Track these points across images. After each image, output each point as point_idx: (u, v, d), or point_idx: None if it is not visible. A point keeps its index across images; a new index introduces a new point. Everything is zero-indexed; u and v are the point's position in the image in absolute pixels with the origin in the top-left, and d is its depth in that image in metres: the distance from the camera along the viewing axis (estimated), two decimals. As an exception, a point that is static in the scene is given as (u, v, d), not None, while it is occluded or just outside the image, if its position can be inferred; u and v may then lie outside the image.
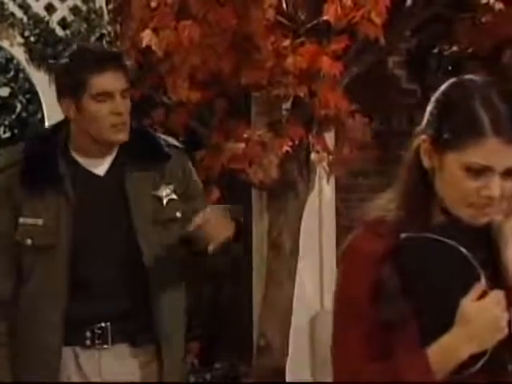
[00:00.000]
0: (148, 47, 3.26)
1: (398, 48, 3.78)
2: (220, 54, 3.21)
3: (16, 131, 5.83)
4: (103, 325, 2.16)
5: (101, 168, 2.22)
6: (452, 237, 1.41)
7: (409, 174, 1.45)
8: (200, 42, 3.16)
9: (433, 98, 1.44)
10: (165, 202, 2.22)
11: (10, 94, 5.88)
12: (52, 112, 4.17)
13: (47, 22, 4.12)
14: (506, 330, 1.40)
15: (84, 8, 4.16)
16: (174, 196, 2.24)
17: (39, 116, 5.61)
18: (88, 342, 2.16)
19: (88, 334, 2.16)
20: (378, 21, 2.99)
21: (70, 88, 2.18)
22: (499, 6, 2.96)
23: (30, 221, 2.17)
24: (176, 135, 2.98)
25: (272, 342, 3.47)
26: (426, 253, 1.41)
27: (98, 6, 4.15)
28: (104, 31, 4.18)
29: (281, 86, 3.19)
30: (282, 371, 3.50)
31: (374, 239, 1.44)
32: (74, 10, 4.14)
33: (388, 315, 1.41)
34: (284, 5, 3.18)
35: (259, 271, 3.80)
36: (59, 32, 4.13)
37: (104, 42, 4.19)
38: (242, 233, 2.23)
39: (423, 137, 1.43)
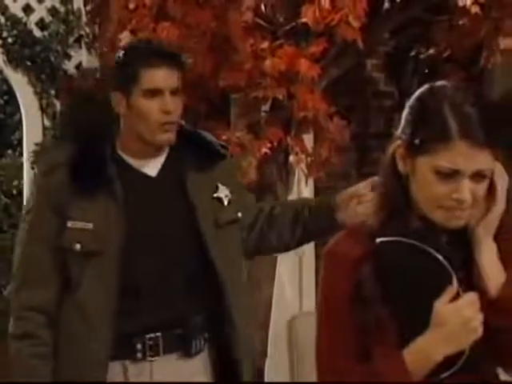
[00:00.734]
0: (126, 49, 3.24)
1: (376, 51, 3.79)
2: (199, 56, 3.21)
3: (-6, 133, 5.80)
4: (154, 335, 2.01)
5: (152, 169, 2.10)
6: (427, 241, 1.43)
7: (385, 178, 1.48)
8: (178, 43, 3.15)
9: (407, 104, 1.47)
10: (226, 202, 2.13)
11: (-12, 95, 5.86)
12: (30, 113, 4.16)
13: (25, 23, 4.11)
14: (479, 331, 1.42)
15: (62, 9, 4.15)
16: (232, 196, 2.15)
17: (17, 118, 5.58)
18: (139, 355, 2.00)
19: (139, 346, 2.01)
20: (355, 24, 2.99)
21: (121, 81, 2.07)
22: (476, 9, 2.97)
23: (79, 225, 2.02)
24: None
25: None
26: (401, 257, 1.43)
27: (76, 7, 4.15)
28: (82, 32, 4.17)
29: (259, 88, 3.18)
30: (260, 373, 3.50)
31: (353, 243, 1.47)
32: (52, 11, 4.14)
33: (365, 318, 1.43)
34: (262, 7, 3.18)
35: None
36: (37, 33, 4.12)
37: (82, 43, 4.18)
38: None
39: (398, 142, 1.46)
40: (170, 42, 3.10)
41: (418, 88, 1.48)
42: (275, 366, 3.75)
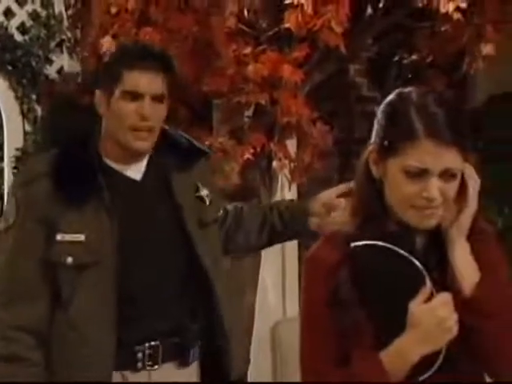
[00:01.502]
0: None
1: (359, 56, 3.80)
2: (181, 61, 3.19)
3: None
4: (154, 344, 1.96)
5: (136, 173, 2.04)
6: (402, 244, 1.45)
7: (360, 184, 1.51)
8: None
9: (378, 110, 1.50)
10: (207, 202, 2.09)
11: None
12: (11, 118, 4.12)
13: (6, 28, 4.08)
14: (454, 330, 1.43)
15: (43, 13, 4.13)
16: (212, 195, 2.11)
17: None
18: (140, 365, 1.95)
19: (139, 355, 1.95)
20: (338, 29, 3.00)
21: (105, 80, 2.02)
22: (458, 15, 2.99)
23: (69, 237, 1.93)
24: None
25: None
26: (376, 260, 1.45)
27: (57, 11, 4.12)
28: (64, 37, 4.14)
29: (242, 94, 3.18)
30: (243, 378, 3.49)
31: (330, 249, 1.49)
32: (33, 15, 4.11)
33: (343, 322, 1.44)
34: (245, 12, 3.17)
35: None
36: (18, 37, 4.09)
37: (64, 47, 4.16)
38: None
39: (370, 147, 1.49)
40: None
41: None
42: (258, 371, 3.74)
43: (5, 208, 2.08)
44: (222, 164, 3.24)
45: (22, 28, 4.10)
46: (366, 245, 1.45)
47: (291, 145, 3.44)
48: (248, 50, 3.14)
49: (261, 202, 3.45)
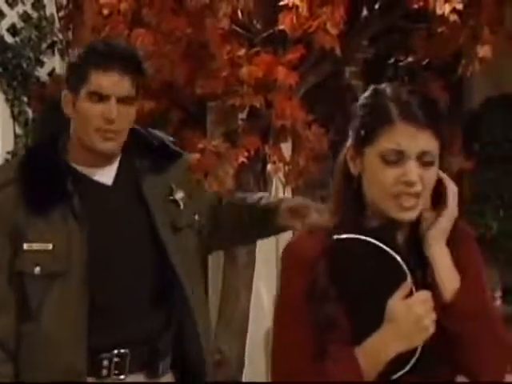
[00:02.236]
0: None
1: (354, 58, 3.78)
2: (174, 63, 3.17)
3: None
4: (123, 351, 1.93)
5: (107, 177, 2.00)
6: (383, 239, 1.44)
7: (338, 182, 1.53)
8: (154, 50, 3.11)
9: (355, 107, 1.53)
10: (181, 205, 2.05)
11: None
12: (1, 121, 4.08)
13: (-4, 29, 4.04)
14: (431, 329, 1.42)
15: (34, 15, 4.10)
16: (187, 198, 2.06)
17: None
18: (105, 372, 1.94)
19: (105, 362, 1.93)
20: (333, 31, 2.98)
21: (71, 80, 1.98)
22: (454, 17, 2.98)
23: (36, 246, 1.90)
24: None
25: (228, 355, 3.44)
26: (356, 254, 1.44)
27: (48, 12, 4.09)
28: (55, 39, 4.11)
29: (236, 96, 3.16)
30: (238, 381, 3.46)
31: (310, 242, 1.49)
32: (24, 16, 4.08)
33: (319, 316, 1.44)
34: (239, 14, 3.15)
35: (215, 284, 3.76)
36: (8, 39, 4.06)
37: (55, 49, 4.12)
38: None
39: (347, 145, 1.51)
40: (144, 48, 3.06)
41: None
42: (253, 374, 3.72)
43: None
44: (216, 168, 3.22)
45: (13, 29, 4.07)
46: (347, 238, 1.44)
47: (286, 148, 3.42)
48: (242, 52, 3.13)
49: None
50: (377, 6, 3.30)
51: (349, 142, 1.50)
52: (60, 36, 4.06)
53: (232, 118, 3.37)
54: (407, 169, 1.42)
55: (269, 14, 3.19)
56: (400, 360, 1.41)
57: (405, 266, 1.44)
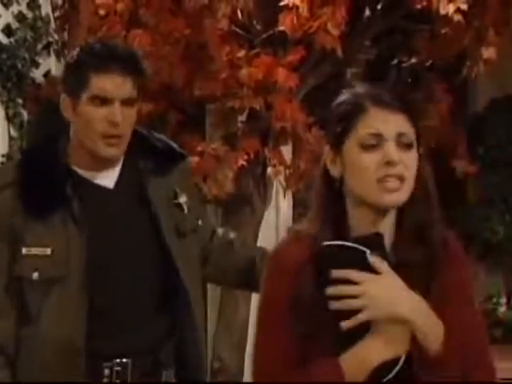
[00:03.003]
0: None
1: (356, 59, 3.74)
2: (173, 65, 3.13)
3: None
4: (125, 360, 1.87)
5: (109, 180, 1.93)
6: (368, 244, 1.42)
7: (319, 188, 1.51)
8: (151, 51, 3.06)
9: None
10: (186, 209, 1.98)
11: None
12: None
13: (-10, 30, 4.00)
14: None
15: (30, 15, 4.05)
16: (190, 202, 2.00)
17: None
18: (105, 380, 1.87)
19: (106, 371, 1.87)
20: (334, 32, 2.95)
21: (70, 84, 1.91)
22: (458, 17, 2.94)
23: (35, 250, 1.85)
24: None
25: (227, 363, 3.40)
26: (341, 260, 1.43)
27: (44, 13, 4.04)
28: (51, 39, 4.07)
29: (236, 98, 3.12)
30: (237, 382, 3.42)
31: (295, 248, 1.48)
32: (19, 17, 4.03)
33: (303, 322, 1.42)
34: (239, 14, 3.11)
35: (214, 291, 3.72)
36: (3, 39, 4.01)
37: (51, 50, 4.07)
38: None
39: (326, 149, 1.50)
40: (142, 49, 3.01)
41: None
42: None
43: None
44: (215, 171, 3.18)
45: (8, 30, 4.02)
46: (331, 245, 1.43)
47: (286, 151, 3.38)
48: (242, 53, 3.09)
49: (254, 210, 3.39)
50: (379, 6, 3.27)
51: (326, 148, 1.50)
52: (56, 36, 4.01)
53: (231, 121, 3.34)
54: (386, 150, 1.44)
55: (269, 15, 3.16)
56: (383, 367, 1.39)
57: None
